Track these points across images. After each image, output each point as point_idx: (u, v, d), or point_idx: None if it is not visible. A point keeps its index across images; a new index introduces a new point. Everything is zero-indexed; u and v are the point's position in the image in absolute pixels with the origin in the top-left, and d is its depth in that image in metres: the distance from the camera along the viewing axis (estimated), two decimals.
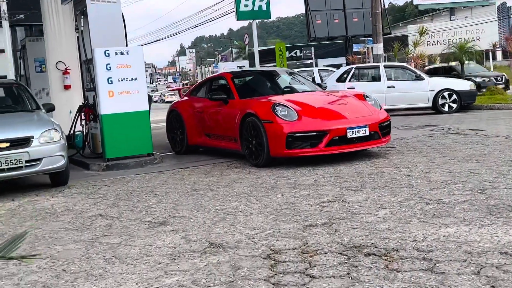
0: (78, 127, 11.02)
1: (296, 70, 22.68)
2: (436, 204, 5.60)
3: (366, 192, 6.41)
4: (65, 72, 12.78)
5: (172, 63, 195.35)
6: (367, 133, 8.44)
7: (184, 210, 6.19)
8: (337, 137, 8.29)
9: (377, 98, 17.36)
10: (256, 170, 8.48)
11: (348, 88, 17.74)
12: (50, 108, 9.18)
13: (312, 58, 36.14)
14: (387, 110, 18.05)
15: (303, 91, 9.88)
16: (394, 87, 17.51)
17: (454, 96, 17.26)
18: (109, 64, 9.67)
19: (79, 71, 11.93)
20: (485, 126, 12.25)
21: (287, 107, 8.48)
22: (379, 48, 22.29)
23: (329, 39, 35.30)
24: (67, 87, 12.89)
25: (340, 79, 18.15)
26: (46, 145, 7.73)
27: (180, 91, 12.26)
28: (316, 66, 31.20)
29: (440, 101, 17.25)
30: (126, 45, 10.42)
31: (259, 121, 8.52)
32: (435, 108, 17.19)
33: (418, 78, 17.53)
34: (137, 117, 9.88)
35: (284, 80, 10.52)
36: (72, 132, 10.85)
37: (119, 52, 9.72)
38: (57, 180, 8.28)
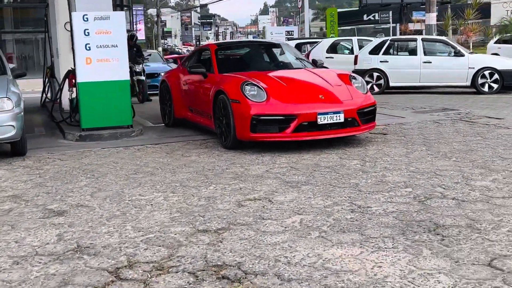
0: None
1: (350, 38, 21.59)
2: (358, 214, 4.91)
3: (302, 190, 5.76)
4: None
5: (255, 22, 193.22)
6: (342, 120, 7.69)
7: (99, 199, 5.73)
8: (306, 123, 7.58)
9: (412, 73, 16.48)
10: (220, 153, 7.92)
11: (380, 61, 16.79)
12: (19, 74, 8.84)
13: (390, 23, 34.18)
14: (421, 87, 17.11)
15: (287, 69, 9.14)
16: (430, 62, 16.35)
17: (496, 76, 15.92)
18: (87, 29, 9.24)
19: None
20: (509, 113, 11.14)
21: (258, 86, 7.82)
22: (431, 18, 21.01)
23: (382, 6, 33.57)
24: None
25: (374, 52, 17.11)
26: None
27: (179, 59, 11.71)
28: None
29: (480, 80, 15.95)
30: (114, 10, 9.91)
31: (228, 100, 7.91)
32: (475, 88, 15.94)
33: (458, 54, 16.26)
34: (116, 86, 9.45)
35: (272, 55, 9.79)
36: (58, 97, 10.55)
37: (98, 17, 9.25)
38: (13, 150, 8.00)
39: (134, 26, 57.16)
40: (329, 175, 6.37)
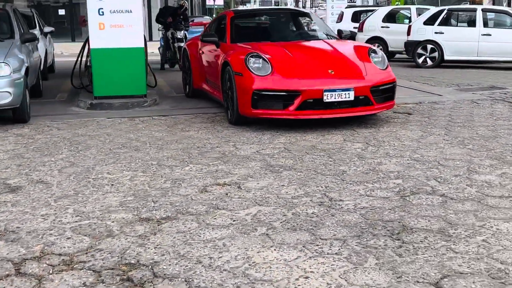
0: None
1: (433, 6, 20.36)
2: (324, 208, 4.38)
3: (280, 176, 5.25)
4: None
5: None
6: (352, 98, 7.04)
7: (64, 175, 5.41)
8: (311, 100, 6.99)
9: (469, 46, 15.34)
10: (222, 129, 7.46)
11: (435, 33, 15.75)
12: (27, 39, 8.60)
13: None
14: (479, 62, 15.92)
15: (304, 40, 8.50)
16: (490, 35, 15.20)
17: None
18: None
19: None
20: None
21: (263, 58, 7.26)
22: None
23: None
24: None
25: (429, 22, 16.05)
26: None
27: (206, 26, 11.23)
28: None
29: None
30: None
31: (232, 72, 7.40)
32: None
33: None
34: (130, 54, 9.09)
35: (292, 25, 9.13)
36: (79, 63, 10.32)
37: None
38: (14, 116, 7.81)
39: None
40: (320, 160, 5.80)
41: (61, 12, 32.02)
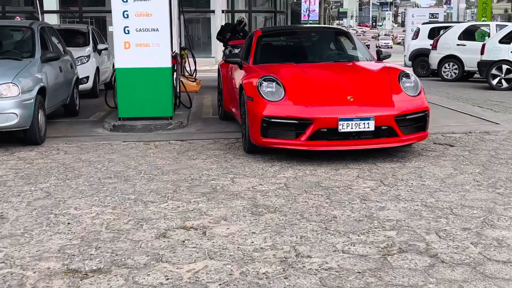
0: None
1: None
2: (280, 268, 3.69)
3: (258, 220, 4.61)
4: None
5: (440, 1, 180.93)
6: (372, 128, 6.25)
7: (29, 208, 5.00)
8: (325, 129, 6.27)
9: None
10: (233, 157, 6.88)
11: None
12: (50, 58, 8.35)
13: None
14: None
15: (333, 61, 7.75)
16: None
17: None
18: (127, 11, 8.55)
19: None
20: None
21: (278, 82, 6.61)
22: None
23: None
24: None
25: (505, 40, 14.78)
26: None
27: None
28: None
29: None
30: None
31: (245, 96, 6.82)
32: None
33: None
34: (156, 74, 8.70)
35: (323, 44, 8.36)
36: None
37: None
38: (25, 138, 7.55)
39: (309, 5, 56.33)
40: (315, 201, 5.09)
41: None
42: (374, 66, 7.53)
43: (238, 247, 4.03)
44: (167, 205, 5.02)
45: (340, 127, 6.19)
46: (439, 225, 4.44)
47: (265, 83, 6.60)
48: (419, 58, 20.46)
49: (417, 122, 6.62)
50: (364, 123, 6.21)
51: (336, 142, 6.30)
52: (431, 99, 11.72)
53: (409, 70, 7.06)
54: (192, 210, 4.88)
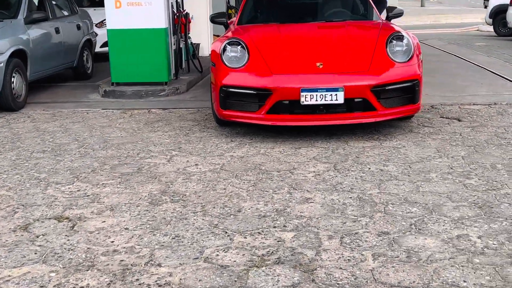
0: None
1: None
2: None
3: (154, 211, 3.94)
4: None
5: None
6: (341, 100, 5.35)
7: None
8: (287, 101, 5.43)
9: None
10: (197, 130, 6.22)
11: None
12: (35, 19, 7.91)
13: None
14: None
15: (326, 21, 6.73)
16: None
17: None
18: None
19: None
20: None
21: (243, 46, 5.81)
22: None
23: None
24: None
25: None
26: None
27: None
28: None
29: None
30: None
31: (210, 62, 6.09)
32: None
33: None
34: (149, 35, 8.09)
35: (325, 2, 7.22)
36: None
37: None
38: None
39: None
40: (234, 188, 4.37)
41: None
42: (368, 26, 6.51)
43: (88, 248, 3.40)
44: (68, 188, 4.46)
45: (302, 99, 5.33)
46: (354, 226, 3.59)
47: (229, 47, 5.83)
48: (500, 16, 18.54)
49: (403, 93, 5.62)
50: (331, 95, 5.32)
51: (300, 117, 5.46)
52: (482, 62, 10.42)
53: (405, 32, 5.97)
54: (88, 196, 4.29)
